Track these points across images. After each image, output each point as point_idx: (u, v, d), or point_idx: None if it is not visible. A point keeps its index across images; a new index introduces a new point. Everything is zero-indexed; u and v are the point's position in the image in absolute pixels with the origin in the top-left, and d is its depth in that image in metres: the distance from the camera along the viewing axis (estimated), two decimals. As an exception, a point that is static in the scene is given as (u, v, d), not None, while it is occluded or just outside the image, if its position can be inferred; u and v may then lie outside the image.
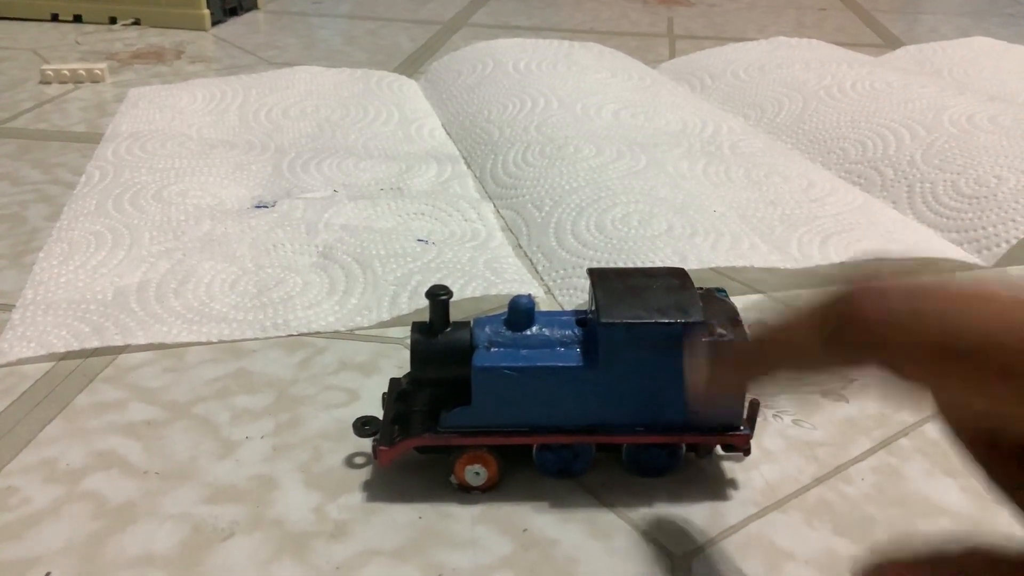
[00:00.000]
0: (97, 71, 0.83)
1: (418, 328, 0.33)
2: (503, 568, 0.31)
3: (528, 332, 0.33)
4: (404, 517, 0.33)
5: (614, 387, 0.33)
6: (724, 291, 0.35)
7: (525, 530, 0.32)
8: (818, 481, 0.35)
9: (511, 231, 0.55)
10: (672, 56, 0.97)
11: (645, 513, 0.33)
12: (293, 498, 0.34)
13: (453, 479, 0.34)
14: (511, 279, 0.48)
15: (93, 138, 0.68)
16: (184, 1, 1.03)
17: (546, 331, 0.33)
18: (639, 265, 0.48)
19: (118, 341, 0.43)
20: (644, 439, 0.34)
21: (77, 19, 1.06)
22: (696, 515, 0.33)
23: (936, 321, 0.21)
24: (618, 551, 0.32)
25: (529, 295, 0.34)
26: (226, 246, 0.51)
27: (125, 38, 1.00)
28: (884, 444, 0.37)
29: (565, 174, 0.58)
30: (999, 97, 0.74)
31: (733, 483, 0.35)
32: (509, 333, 0.33)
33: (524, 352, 0.33)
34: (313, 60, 0.91)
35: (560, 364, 0.32)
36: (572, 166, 0.59)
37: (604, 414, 0.33)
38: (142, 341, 0.43)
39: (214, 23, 1.05)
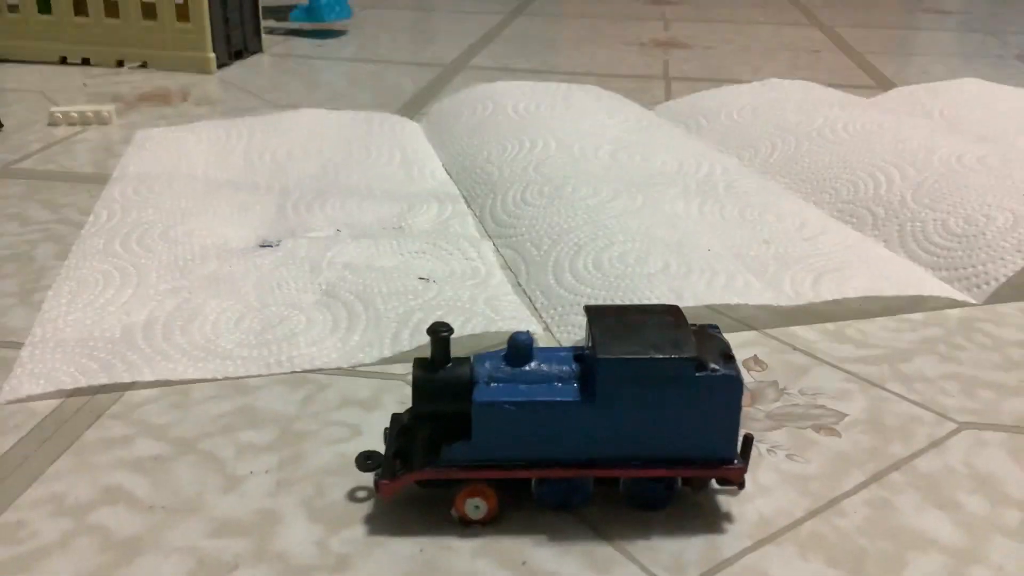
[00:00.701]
0: (104, 113, 0.85)
1: (420, 364, 0.34)
2: (502, 600, 0.31)
3: (527, 368, 0.34)
4: (405, 550, 0.34)
5: (611, 421, 0.33)
6: (717, 327, 0.36)
7: (524, 563, 0.33)
8: (811, 514, 0.36)
9: (510, 269, 0.56)
10: (668, 98, 0.99)
11: (642, 546, 0.34)
12: (296, 532, 0.34)
13: (454, 512, 0.35)
14: (510, 316, 0.49)
15: (100, 179, 0.70)
16: (190, 44, 1.06)
17: (544, 367, 0.34)
18: (636, 302, 0.49)
19: (125, 378, 0.44)
20: (641, 473, 0.34)
21: (85, 62, 1.09)
22: (692, 548, 0.34)
23: None
24: (615, 583, 0.32)
25: (528, 332, 0.34)
26: (231, 284, 0.52)
27: (132, 81, 1.02)
28: (876, 478, 0.38)
29: (563, 213, 0.60)
30: (988, 137, 0.75)
31: (728, 517, 0.35)
32: (508, 369, 0.34)
33: (523, 387, 0.33)
34: (317, 102, 0.93)
35: (558, 399, 0.33)
36: (570, 206, 0.61)
37: (602, 448, 0.34)
38: (149, 378, 0.44)
39: (219, 66, 1.08)
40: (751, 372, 0.46)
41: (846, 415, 0.42)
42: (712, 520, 0.35)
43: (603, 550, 0.34)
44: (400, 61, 1.16)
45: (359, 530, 0.35)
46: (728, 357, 0.34)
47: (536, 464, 0.34)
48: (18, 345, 0.47)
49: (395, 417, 0.37)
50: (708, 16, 1.54)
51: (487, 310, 0.50)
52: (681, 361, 0.32)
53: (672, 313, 0.34)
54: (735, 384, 0.33)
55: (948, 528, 0.35)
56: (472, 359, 0.34)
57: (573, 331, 0.49)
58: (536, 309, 0.52)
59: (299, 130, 0.79)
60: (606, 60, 1.19)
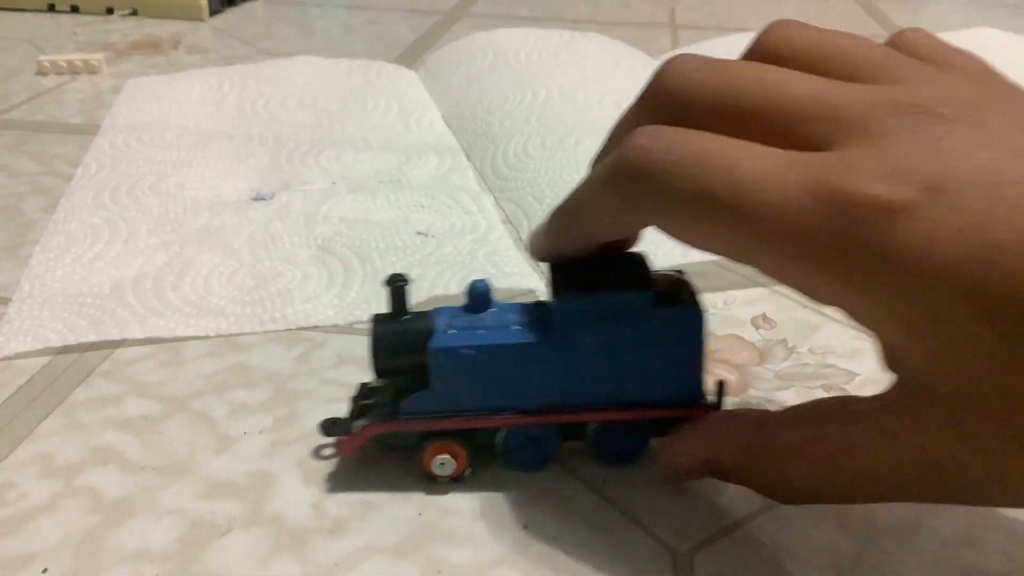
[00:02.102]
0: (94, 62, 0.83)
1: (377, 318, 0.34)
2: (503, 565, 0.31)
3: (485, 315, 0.33)
4: (404, 513, 0.33)
5: (573, 364, 0.32)
6: (683, 272, 0.34)
7: (525, 526, 0.32)
8: (821, 476, 0.35)
9: (512, 224, 0.55)
10: (675, 47, 0.96)
11: (647, 509, 0.33)
12: (291, 494, 0.33)
13: (422, 471, 0.34)
14: (512, 272, 0.48)
15: (90, 129, 0.68)
16: (182, -8, 1.03)
17: (504, 314, 0.33)
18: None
19: (115, 335, 0.43)
20: (606, 416, 0.33)
21: (74, 10, 1.06)
22: (699, 511, 0.33)
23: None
24: (619, 547, 0.31)
25: (485, 279, 0.34)
26: (224, 239, 0.51)
27: (122, 28, 0.99)
28: (888, 439, 0.37)
29: (566, 165, 0.58)
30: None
31: (735, 478, 0.34)
32: (467, 317, 0.33)
33: (481, 332, 0.32)
34: (312, 50, 0.90)
35: (516, 341, 0.32)
36: (573, 157, 0.59)
37: (565, 393, 0.33)
38: (139, 335, 0.43)
39: (212, 13, 1.05)
40: (759, 330, 0.45)
41: (857, 375, 0.41)
42: (720, 483, 0.34)
43: (606, 513, 0.33)
44: (398, 8, 1.13)
45: (356, 493, 0.34)
46: (691, 294, 0.33)
47: (498, 412, 0.33)
48: (5, 301, 0.45)
49: (362, 385, 0.36)
50: (714, -37, 1.50)
51: (488, 266, 0.48)
52: (638, 296, 0.31)
53: (635, 258, 0.33)
54: (695, 317, 0.32)
55: (961, 491, 0.34)
56: (432, 311, 0.34)
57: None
58: (538, 264, 0.50)
59: (293, 79, 0.77)
60: (611, 7, 1.16)
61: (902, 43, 0.30)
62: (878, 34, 1.03)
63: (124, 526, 0.32)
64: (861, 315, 0.25)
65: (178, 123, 0.68)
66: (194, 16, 1.03)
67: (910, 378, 0.25)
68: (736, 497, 0.34)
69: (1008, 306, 0.21)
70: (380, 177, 0.60)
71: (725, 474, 0.31)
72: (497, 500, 0.33)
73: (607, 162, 0.28)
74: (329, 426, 0.35)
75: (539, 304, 0.34)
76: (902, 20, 1.11)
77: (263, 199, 0.56)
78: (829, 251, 0.23)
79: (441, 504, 0.33)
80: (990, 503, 0.29)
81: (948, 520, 0.33)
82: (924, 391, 0.24)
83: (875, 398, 0.27)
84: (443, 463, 0.33)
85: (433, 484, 0.34)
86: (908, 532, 0.32)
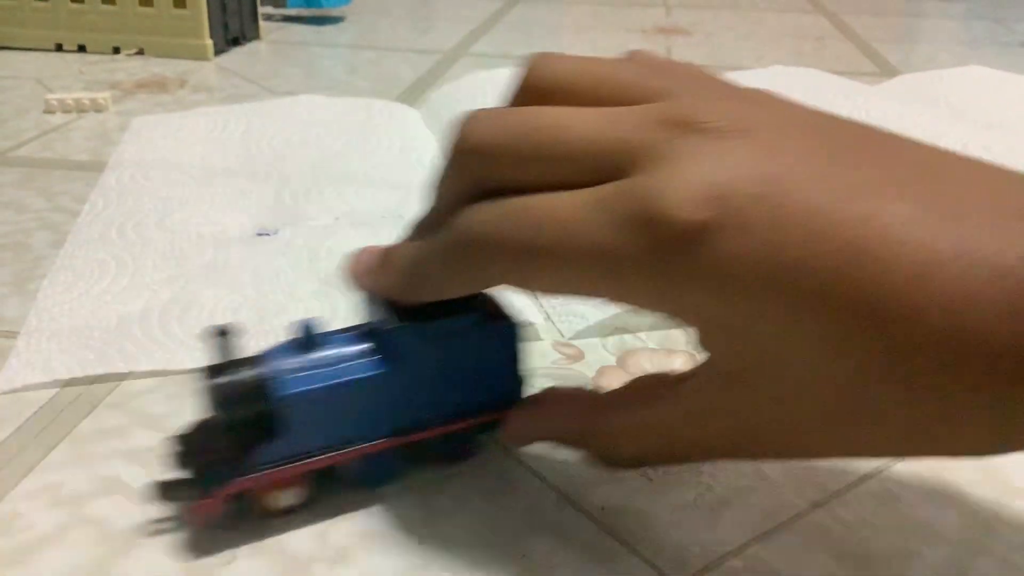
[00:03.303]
0: (101, 100, 0.84)
1: (209, 371, 0.32)
2: (504, 593, 0.31)
3: (321, 354, 0.33)
4: (405, 541, 0.33)
5: (413, 388, 0.34)
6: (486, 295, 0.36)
7: (524, 556, 0.33)
8: (815, 506, 0.35)
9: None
10: (670, 85, 0.97)
11: (644, 538, 0.33)
12: (294, 524, 0.34)
13: (258, 511, 0.33)
14: (512, 306, 0.49)
15: (97, 166, 0.69)
16: (187, 31, 1.05)
17: (336, 349, 0.34)
18: None
19: (121, 368, 0.43)
20: (443, 430, 0.35)
21: (81, 49, 1.08)
22: (696, 539, 0.33)
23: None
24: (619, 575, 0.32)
25: (311, 318, 0.34)
26: (228, 273, 0.52)
27: (128, 67, 1.01)
28: (881, 469, 0.37)
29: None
30: (994, 125, 0.75)
31: (732, 508, 0.35)
32: (300, 356, 0.33)
33: (324, 371, 0.33)
34: (315, 89, 0.92)
35: (362, 375, 0.33)
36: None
37: (404, 416, 0.34)
38: (145, 368, 0.43)
39: (217, 53, 1.07)
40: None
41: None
42: (716, 512, 0.35)
43: (605, 542, 0.33)
44: (399, 48, 1.15)
45: (358, 522, 0.34)
46: (505, 312, 0.36)
47: (345, 445, 0.34)
48: (13, 335, 0.46)
49: (177, 438, 0.33)
50: (711, 2, 1.53)
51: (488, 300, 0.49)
52: (467, 319, 0.34)
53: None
54: (512, 331, 0.35)
55: (954, 520, 0.35)
56: (262, 354, 0.33)
57: (575, 320, 0.48)
58: (536, 298, 0.51)
59: (297, 117, 0.78)
60: (608, 46, 1.18)
61: (641, 61, 0.32)
62: (872, 72, 1.05)
63: (130, 556, 0.32)
64: (680, 317, 0.28)
65: (183, 160, 0.69)
66: (199, 56, 1.05)
67: (725, 361, 0.28)
68: (734, 525, 0.34)
69: (810, 315, 0.24)
70: (382, 212, 0.61)
71: (562, 444, 0.34)
72: (495, 530, 0.34)
73: (449, 239, 0.30)
74: (170, 490, 0.33)
75: (366, 333, 0.34)
76: (896, 59, 1.13)
77: (267, 234, 0.57)
78: (649, 275, 0.26)
79: (440, 533, 0.34)
80: (802, 458, 0.33)
81: (942, 549, 0.33)
82: (738, 374, 0.27)
83: (693, 379, 0.29)
84: (293, 493, 0.34)
85: (271, 518, 0.33)
86: (902, 560, 0.33)
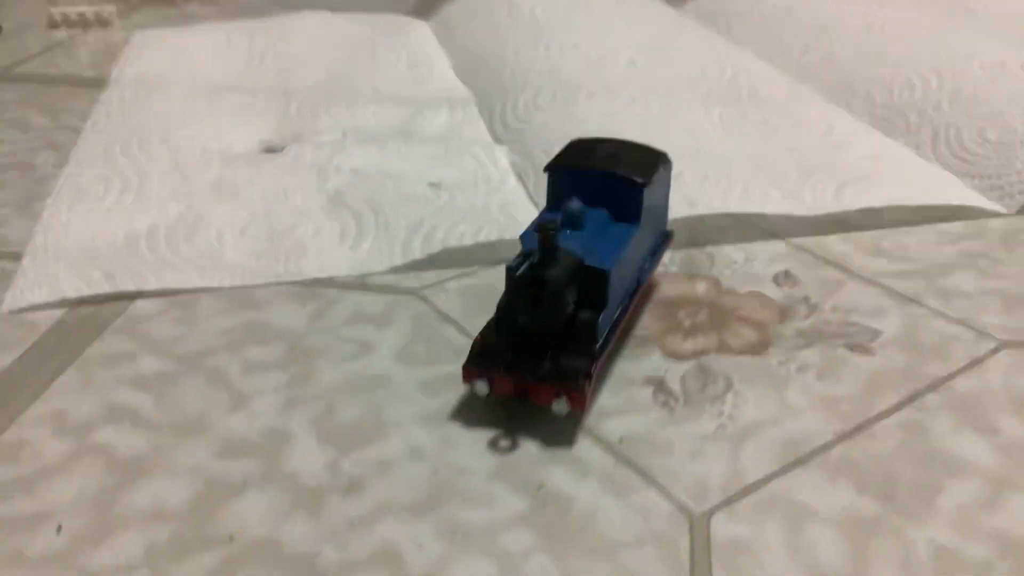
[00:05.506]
0: (105, 14, 0.82)
1: (523, 267, 0.33)
2: (519, 525, 0.30)
3: (586, 230, 0.36)
4: (418, 472, 0.32)
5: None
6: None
7: (541, 487, 0.32)
8: (841, 437, 0.34)
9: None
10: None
11: (663, 470, 0.33)
12: (307, 452, 0.33)
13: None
14: (527, 222, 0.47)
15: (102, 83, 0.67)
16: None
17: (595, 224, 0.36)
18: None
19: (130, 287, 0.42)
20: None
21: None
22: (716, 472, 0.32)
23: None
24: (635, 508, 0.31)
25: (575, 198, 0.36)
26: (235, 191, 0.50)
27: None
28: (911, 399, 0.36)
29: (576, 119, 0.57)
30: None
31: (754, 439, 0.34)
32: (578, 236, 0.35)
33: (612, 244, 0.36)
34: (323, 2, 0.89)
35: (630, 237, 0.36)
36: (584, 111, 0.58)
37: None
38: (154, 287, 0.42)
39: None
40: (780, 287, 0.44)
41: (880, 332, 0.40)
42: (737, 444, 0.34)
43: (622, 473, 0.32)
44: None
45: (371, 451, 0.33)
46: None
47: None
48: (18, 256, 0.45)
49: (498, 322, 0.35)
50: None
51: (501, 217, 0.48)
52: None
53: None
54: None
55: (986, 452, 0.33)
56: (558, 245, 0.33)
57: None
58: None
59: (303, 33, 0.76)
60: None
61: None
62: None
63: (138, 484, 0.32)
64: None
65: (187, 76, 0.67)
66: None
67: None
68: (755, 456, 0.33)
69: None
70: (391, 128, 0.59)
71: None
72: (512, 460, 0.33)
73: None
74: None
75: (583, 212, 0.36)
76: None
77: (274, 151, 0.55)
78: None
79: (456, 463, 0.33)
80: None
81: (970, 482, 0.32)
82: None
83: None
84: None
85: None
86: (928, 493, 0.31)
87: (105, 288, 0.42)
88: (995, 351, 0.39)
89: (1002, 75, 0.60)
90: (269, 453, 0.33)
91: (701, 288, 0.44)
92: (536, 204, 0.50)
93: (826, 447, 0.34)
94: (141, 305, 0.42)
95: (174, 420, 0.35)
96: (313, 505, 0.31)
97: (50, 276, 0.43)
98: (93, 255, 0.44)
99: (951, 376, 0.37)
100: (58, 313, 0.41)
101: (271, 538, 0.30)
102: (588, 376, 0.33)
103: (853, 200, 0.49)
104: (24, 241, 0.46)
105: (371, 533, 0.30)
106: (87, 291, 0.42)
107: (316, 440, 0.34)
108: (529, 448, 0.33)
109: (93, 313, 0.41)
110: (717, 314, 0.42)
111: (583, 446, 0.34)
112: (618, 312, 0.37)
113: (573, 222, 0.36)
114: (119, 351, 0.39)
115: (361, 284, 0.44)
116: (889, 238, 0.48)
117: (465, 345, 0.37)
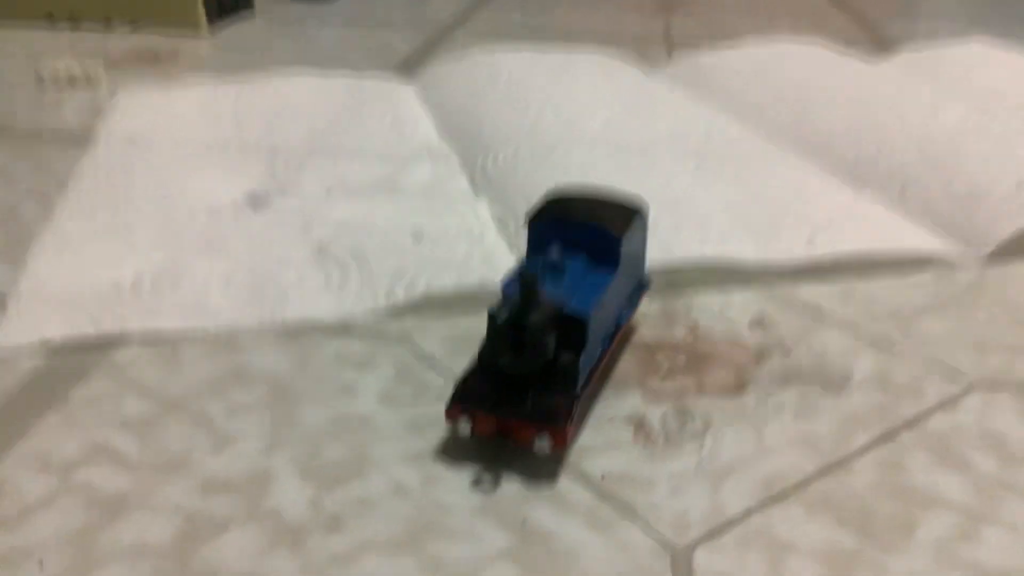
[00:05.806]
0: (93, 72, 0.83)
1: (507, 311, 0.34)
2: (502, 560, 0.30)
3: (565, 278, 0.37)
4: (401, 510, 0.33)
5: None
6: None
7: (524, 522, 0.32)
8: (819, 473, 0.35)
9: (501, 226, 0.55)
10: (670, 59, 0.96)
11: (645, 505, 0.33)
12: (289, 490, 0.33)
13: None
14: (505, 272, 0.48)
15: (89, 139, 0.68)
16: (180, 3, 1.03)
17: (574, 272, 0.37)
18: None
19: (114, 330, 0.43)
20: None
21: (72, 20, 1.06)
22: (697, 508, 0.33)
23: None
24: (618, 543, 0.31)
25: (555, 246, 0.38)
26: (221, 243, 0.51)
27: (121, 40, 1.00)
28: (885, 437, 0.37)
29: (555, 169, 0.58)
30: (992, 103, 0.74)
31: (733, 476, 0.34)
32: (557, 283, 0.36)
33: (590, 291, 0.36)
34: (308, 63, 0.91)
35: (608, 283, 0.37)
36: (563, 162, 0.59)
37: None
38: (138, 330, 0.43)
39: (210, 26, 1.05)
40: (756, 331, 0.45)
41: (854, 374, 0.41)
42: (718, 479, 0.34)
43: (604, 509, 0.33)
44: (394, 21, 1.13)
45: (354, 489, 0.33)
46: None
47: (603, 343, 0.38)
48: (2, 299, 0.45)
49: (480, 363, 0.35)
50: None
51: (483, 267, 0.48)
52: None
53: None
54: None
55: (961, 488, 0.34)
56: (536, 290, 0.34)
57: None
58: (535, 268, 0.50)
59: (289, 92, 0.77)
60: (606, 21, 1.16)
61: None
62: (872, 45, 1.04)
63: (120, 522, 0.32)
64: None
65: (174, 134, 0.68)
66: (193, 28, 1.03)
67: None
68: (735, 492, 0.33)
69: None
70: (375, 183, 0.60)
71: None
72: (495, 497, 0.33)
73: None
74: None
75: (560, 261, 0.37)
76: (896, 32, 1.12)
77: (260, 205, 0.56)
78: None
79: (439, 500, 0.33)
80: None
81: (947, 517, 0.33)
82: None
83: None
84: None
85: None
86: (906, 527, 0.32)
87: (90, 330, 0.42)
88: (966, 391, 0.40)
89: (963, 133, 0.63)
90: (252, 491, 0.33)
91: (679, 332, 0.44)
92: (516, 252, 0.51)
93: (804, 483, 0.34)
94: (125, 349, 0.42)
95: (157, 460, 0.35)
96: (295, 542, 0.31)
97: (35, 318, 0.43)
98: (78, 299, 0.45)
99: (924, 415, 0.38)
100: (42, 355, 0.41)
101: (254, 574, 0.30)
102: (569, 413, 0.34)
103: (825, 248, 0.51)
104: (9, 284, 0.46)
105: (354, 570, 0.30)
106: (72, 333, 0.42)
107: (299, 478, 0.34)
108: (512, 485, 0.34)
109: (78, 355, 0.41)
110: (694, 357, 0.42)
111: (565, 483, 0.34)
112: (598, 354, 0.37)
113: (553, 269, 0.37)
114: (103, 393, 0.39)
115: (344, 328, 0.44)
116: (860, 285, 0.49)
117: (447, 388, 0.38)
